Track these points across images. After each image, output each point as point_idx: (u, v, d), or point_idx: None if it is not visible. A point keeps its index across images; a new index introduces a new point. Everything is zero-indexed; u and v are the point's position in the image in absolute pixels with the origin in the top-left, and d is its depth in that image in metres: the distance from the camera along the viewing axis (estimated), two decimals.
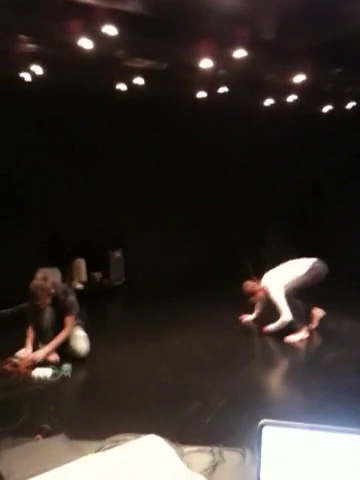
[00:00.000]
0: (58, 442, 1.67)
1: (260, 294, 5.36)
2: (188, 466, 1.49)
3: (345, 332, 5.32)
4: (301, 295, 5.13)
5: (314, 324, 5.34)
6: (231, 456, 1.62)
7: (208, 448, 1.66)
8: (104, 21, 3.57)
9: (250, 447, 1.57)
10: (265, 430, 1.32)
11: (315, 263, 5.23)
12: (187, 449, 1.65)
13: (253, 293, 5.42)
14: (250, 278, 5.54)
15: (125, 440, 1.70)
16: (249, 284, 5.45)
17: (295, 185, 8.67)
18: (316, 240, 7.55)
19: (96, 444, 1.71)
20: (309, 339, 5.10)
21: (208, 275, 7.69)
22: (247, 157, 8.35)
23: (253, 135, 7.97)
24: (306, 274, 5.15)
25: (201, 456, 1.62)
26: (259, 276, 5.46)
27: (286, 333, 5.07)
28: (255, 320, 5.62)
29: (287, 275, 5.22)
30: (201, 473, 1.50)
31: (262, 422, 1.31)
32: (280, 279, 5.21)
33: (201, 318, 5.95)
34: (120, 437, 1.76)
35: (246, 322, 5.66)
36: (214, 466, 1.56)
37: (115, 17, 3.56)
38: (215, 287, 7.11)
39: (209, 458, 1.61)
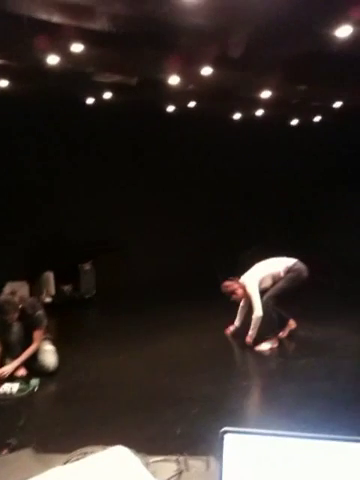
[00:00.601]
0: (25, 456, 1.68)
1: (240, 291, 5.31)
2: (154, 475, 1.53)
3: (316, 339, 5.42)
4: (279, 301, 5.18)
5: (285, 333, 5.43)
6: (196, 464, 1.67)
7: (173, 457, 1.70)
8: (73, 39, 3.65)
9: (215, 455, 1.62)
10: (226, 437, 1.37)
11: (295, 264, 5.27)
12: (153, 458, 1.68)
13: (233, 291, 5.37)
14: (227, 279, 5.48)
15: (92, 452, 1.72)
16: (227, 284, 5.41)
17: (281, 190, 8.85)
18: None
19: (63, 457, 1.73)
20: (280, 347, 5.19)
21: (182, 284, 7.73)
22: (233, 164, 8.54)
23: (236, 144, 8.16)
24: (284, 274, 5.20)
25: (167, 465, 1.66)
26: (237, 276, 5.43)
27: (256, 342, 5.15)
28: (238, 328, 5.55)
29: (265, 270, 5.26)
30: None
31: (223, 430, 1.37)
32: (257, 273, 5.25)
33: (173, 327, 5.98)
34: (87, 449, 1.78)
35: (231, 333, 5.59)
36: (179, 474, 1.61)
37: (84, 35, 3.64)
38: (189, 296, 7.15)
39: (174, 467, 1.65)
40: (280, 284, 5.22)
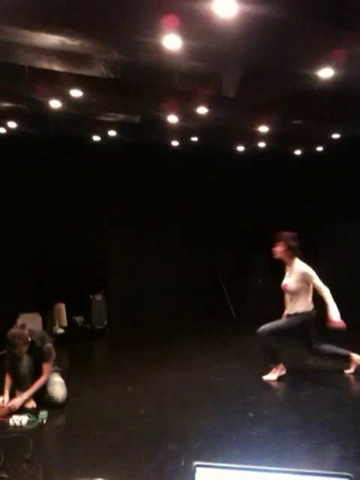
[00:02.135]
0: None
1: (281, 250, 5.16)
2: None
3: (325, 369, 5.40)
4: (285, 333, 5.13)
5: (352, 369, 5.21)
6: None
7: None
8: (73, 85, 3.90)
9: None
10: (198, 471, 1.45)
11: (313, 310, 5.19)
12: None
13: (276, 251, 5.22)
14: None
15: None
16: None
17: (273, 220, 8.88)
18: None
19: None
20: (288, 376, 5.17)
21: (190, 317, 7.82)
22: (228, 196, 8.67)
23: (231, 176, 8.31)
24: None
25: None
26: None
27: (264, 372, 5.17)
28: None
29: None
30: None
31: (195, 464, 1.44)
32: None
33: (183, 359, 6.04)
34: None
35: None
36: None
37: (83, 81, 3.89)
38: (197, 328, 7.23)
39: None
40: (283, 322, 5.17)
